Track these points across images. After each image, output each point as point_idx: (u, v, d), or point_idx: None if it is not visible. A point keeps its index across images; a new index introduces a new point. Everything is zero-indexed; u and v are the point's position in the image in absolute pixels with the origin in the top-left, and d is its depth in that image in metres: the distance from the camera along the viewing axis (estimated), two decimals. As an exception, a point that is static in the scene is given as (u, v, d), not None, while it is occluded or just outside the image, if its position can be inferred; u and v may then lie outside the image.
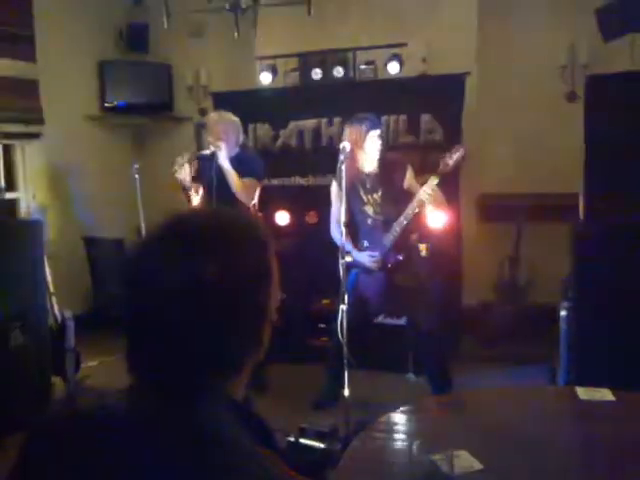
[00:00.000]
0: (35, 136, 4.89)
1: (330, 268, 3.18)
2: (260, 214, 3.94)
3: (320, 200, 3.70)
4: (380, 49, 4.74)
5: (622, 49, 4.17)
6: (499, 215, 4.73)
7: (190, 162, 3.58)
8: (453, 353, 4.00)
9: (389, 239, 3.29)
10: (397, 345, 3.93)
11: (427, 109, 4.55)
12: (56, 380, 3.63)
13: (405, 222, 3.23)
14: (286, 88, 5.00)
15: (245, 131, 4.13)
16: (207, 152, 3.69)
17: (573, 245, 3.10)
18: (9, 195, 4.82)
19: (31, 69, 4.72)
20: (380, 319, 4.04)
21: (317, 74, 4.86)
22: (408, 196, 3.26)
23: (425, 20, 4.81)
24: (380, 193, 3.34)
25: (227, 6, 4.31)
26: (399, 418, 2.01)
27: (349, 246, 3.26)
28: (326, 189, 3.52)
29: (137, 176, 3.85)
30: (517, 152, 4.80)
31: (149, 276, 0.79)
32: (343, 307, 2.92)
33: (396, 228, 3.25)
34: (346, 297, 2.93)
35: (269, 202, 4.21)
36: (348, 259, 3.07)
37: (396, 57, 4.63)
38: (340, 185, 3.02)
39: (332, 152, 3.67)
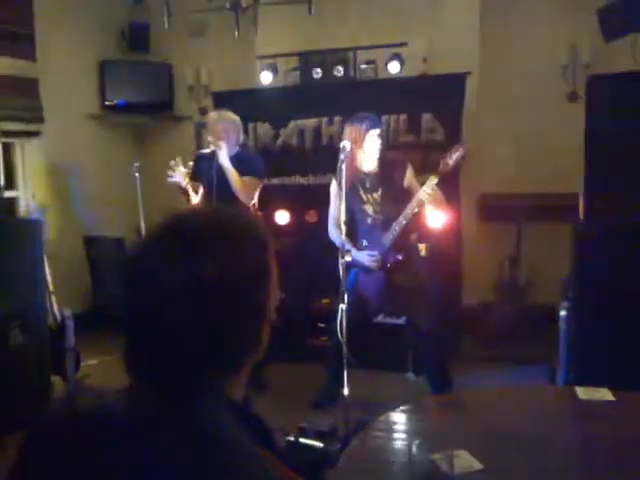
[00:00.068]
0: (35, 134, 4.89)
1: (330, 267, 3.18)
2: (260, 213, 3.95)
3: (320, 199, 3.70)
4: (381, 48, 4.73)
5: (623, 49, 4.16)
6: (499, 215, 4.73)
7: (184, 164, 3.57)
8: (453, 353, 4.00)
9: (388, 238, 3.28)
10: (397, 345, 3.93)
11: (428, 109, 4.55)
12: (56, 379, 3.63)
13: (404, 222, 3.23)
14: (286, 87, 5.00)
15: (245, 130, 4.13)
16: (207, 151, 3.69)
17: (573, 245, 3.10)
18: (8, 194, 4.82)
19: (31, 68, 4.72)
20: (380, 318, 4.04)
21: (317, 73, 4.86)
22: (408, 195, 3.26)
23: (426, 20, 4.81)
24: (380, 192, 3.34)
25: (227, 5, 4.31)
26: (399, 418, 2.01)
27: (348, 245, 3.26)
28: (326, 188, 3.52)
29: (137, 175, 3.86)
30: (518, 152, 4.80)
31: (148, 276, 0.79)
32: (343, 306, 2.92)
33: (395, 227, 3.25)
34: (346, 296, 2.93)
35: (269, 201, 4.21)
36: (348, 258, 3.07)
37: (397, 57, 4.63)
38: (340, 184, 3.02)
39: (332, 151, 3.67)
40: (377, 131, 3.29)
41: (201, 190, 3.70)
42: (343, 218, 2.98)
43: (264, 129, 4.96)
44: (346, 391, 2.93)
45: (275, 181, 4.82)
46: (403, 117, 4.61)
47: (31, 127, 4.80)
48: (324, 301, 4.44)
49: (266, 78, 4.93)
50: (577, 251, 3.07)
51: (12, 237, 3.48)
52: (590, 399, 2.02)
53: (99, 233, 5.28)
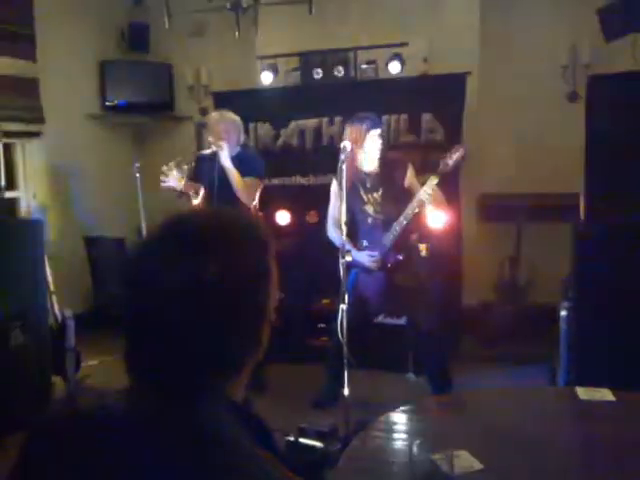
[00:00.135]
0: (35, 135, 4.89)
1: (330, 268, 3.18)
2: (260, 214, 3.94)
3: (321, 200, 3.70)
4: (381, 49, 4.74)
5: (624, 49, 4.16)
6: (499, 215, 4.73)
7: (179, 166, 3.56)
8: (453, 353, 4.00)
9: (389, 239, 3.28)
10: (397, 345, 3.93)
11: (428, 109, 4.55)
12: (56, 379, 3.63)
13: (405, 222, 3.23)
14: (287, 88, 5.00)
15: (246, 130, 4.13)
16: (207, 152, 3.69)
17: (573, 245, 3.10)
18: (9, 194, 4.82)
19: (31, 68, 4.72)
20: (380, 319, 4.04)
21: (318, 74, 4.86)
22: (408, 196, 3.26)
23: (426, 20, 4.81)
24: (380, 192, 3.34)
25: (228, 5, 4.31)
26: (399, 418, 2.01)
27: (348, 245, 3.26)
28: (327, 189, 3.52)
29: (138, 175, 3.85)
30: (518, 152, 4.80)
31: (149, 276, 0.79)
32: (343, 307, 2.92)
33: (396, 228, 3.25)
34: (346, 297, 2.93)
35: (270, 202, 4.21)
36: (348, 259, 3.07)
37: (397, 57, 4.63)
38: (340, 184, 3.02)
39: (333, 151, 3.68)
40: (378, 131, 3.29)
41: (202, 191, 3.69)
42: (344, 218, 2.99)
43: (264, 129, 4.96)
44: (346, 391, 2.93)
45: (276, 181, 4.82)
46: (404, 117, 4.61)
47: (32, 127, 4.80)
48: (324, 301, 4.44)
49: (266, 78, 4.93)
50: (577, 251, 3.07)
51: (13, 237, 3.48)
52: (591, 399, 2.02)
53: (100, 233, 5.28)
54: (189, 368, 0.78)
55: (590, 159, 4.11)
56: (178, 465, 0.73)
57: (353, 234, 3.36)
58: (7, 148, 4.86)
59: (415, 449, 1.48)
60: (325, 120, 4.81)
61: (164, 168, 3.51)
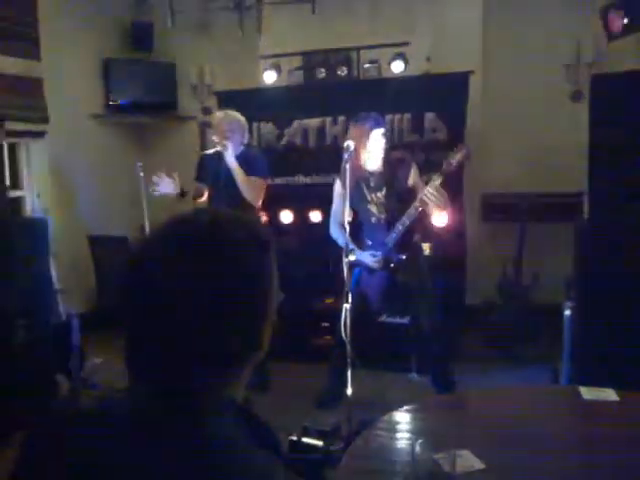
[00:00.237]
0: (40, 134, 4.90)
1: (334, 267, 3.18)
2: (263, 213, 3.95)
3: (324, 199, 3.70)
4: (384, 48, 4.74)
5: (627, 48, 4.15)
6: (502, 214, 4.72)
7: (169, 175, 3.53)
8: (456, 352, 4.00)
9: (392, 238, 3.28)
10: (400, 344, 3.93)
11: (431, 108, 4.55)
12: (60, 378, 3.64)
13: (408, 221, 3.22)
14: (290, 87, 5.01)
15: (249, 130, 4.13)
16: (211, 152, 3.69)
17: (577, 244, 3.09)
18: (14, 193, 4.83)
19: (36, 67, 4.73)
20: (383, 318, 4.04)
21: (321, 73, 4.86)
22: (412, 195, 3.25)
23: (429, 19, 4.80)
24: (384, 192, 3.34)
25: (231, 5, 4.32)
26: (402, 417, 2.01)
27: (352, 245, 3.26)
28: (330, 188, 3.52)
29: (141, 174, 3.86)
30: (521, 151, 4.80)
31: (149, 277, 0.79)
32: (346, 306, 2.92)
33: (399, 227, 3.25)
34: (349, 296, 2.93)
35: (273, 201, 4.21)
36: (352, 258, 3.07)
37: (400, 56, 4.63)
38: (344, 184, 3.02)
39: (336, 151, 3.68)
40: (381, 130, 3.29)
41: (206, 192, 3.69)
42: (347, 218, 2.99)
43: (268, 129, 4.96)
44: (349, 391, 2.94)
45: (279, 181, 4.83)
46: (407, 116, 4.61)
47: (36, 127, 4.81)
48: (327, 300, 4.44)
49: (269, 78, 4.93)
50: (581, 250, 3.06)
51: (18, 236, 3.49)
52: (594, 399, 2.02)
53: (103, 232, 5.29)
54: (189, 368, 0.78)
55: (594, 158, 4.10)
56: (179, 465, 0.73)
57: (356, 233, 3.36)
58: (11, 148, 4.88)
59: (417, 449, 1.48)
60: (328, 119, 4.81)
61: (154, 178, 3.49)
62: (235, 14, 4.33)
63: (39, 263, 3.52)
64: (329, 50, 4.91)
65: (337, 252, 3.14)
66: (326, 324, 4.18)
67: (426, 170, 3.65)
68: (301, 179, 4.92)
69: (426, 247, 3.77)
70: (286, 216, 4.76)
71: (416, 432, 1.91)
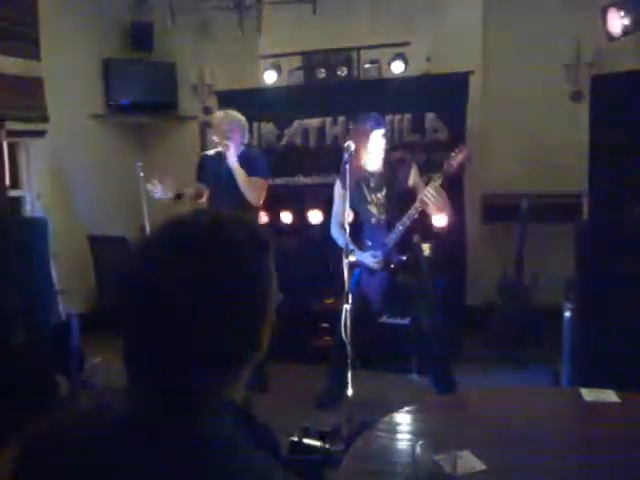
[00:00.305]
0: (40, 134, 4.89)
1: (334, 267, 3.18)
2: (264, 213, 3.94)
3: (324, 199, 3.70)
4: (384, 48, 4.74)
5: (628, 48, 4.15)
6: (503, 215, 4.72)
7: (162, 181, 3.55)
8: (457, 353, 3.99)
9: (392, 239, 3.28)
10: (400, 345, 3.93)
11: (431, 108, 4.55)
12: (60, 378, 3.64)
13: (408, 222, 3.22)
14: (290, 87, 5.00)
15: (250, 130, 4.13)
16: (211, 152, 3.68)
17: (577, 245, 3.08)
18: (14, 193, 4.83)
19: (36, 67, 4.73)
20: (384, 319, 4.03)
21: (321, 73, 4.86)
22: (412, 195, 3.25)
23: (429, 19, 4.80)
24: (384, 192, 3.33)
25: (231, 5, 4.31)
26: (402, 418, 2.00)
27: (352, 245, 3.25)
28: (330, 188, 3.52)
29: (141, 174, 3.85)
30: (521, 151, 4.79)
31: (148, 277, 0.79)
32: (347, 307, 2.92)
33: (399, 228, 3.24)
34: (350, 297, 2.93)
35: (273, 201, 4.21)
36: (352, 258, 3.07)
37: (400, 56, 4.63)
38: (344, 184, 3.01)
39: (336, 151, 3.68)
40: (381, 131, 3.28)
41: (206, 192, 3.69)
42: (347, 219, 2.98)
43: (268, 129, 4.96)
44: (350, 391, 2.93)
45: (279, 181, 4.82)
46: (407, 117, 4.61)
47: (36, 127, 4.81)
48: (327, 301, 4.44)
49: (270, 77, 4.93)
50: (581, 251, 3.06)
51: (18, 236, 3.49)
52: (595, 400, 2.01)
53: (103, 232, 5.29)
54: (188, 368, 0.78)
55: (594, 159, 4.10)
56: (178, 466, 0.73)
57: (357, 234, 3.36)
58: (11, 147, 4.87)
59: (418, 450, 1.47)
60: (328, 120, 4.81)
61: (149, 187, 3.51)
62: (235, 14, 4.33)
63: (39, 263, 3.52)
64: (329, 50, 4.91)
65: (337, 253, 3.14)
66: (325, 325, 4.18)
67: (427, 170, 3.65)
68: (301, 179, 4.92)
69: (426, 247, 3.77)
70: (286, 216, 4.76)
71: (417, 433, 1.91)
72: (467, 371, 3.73)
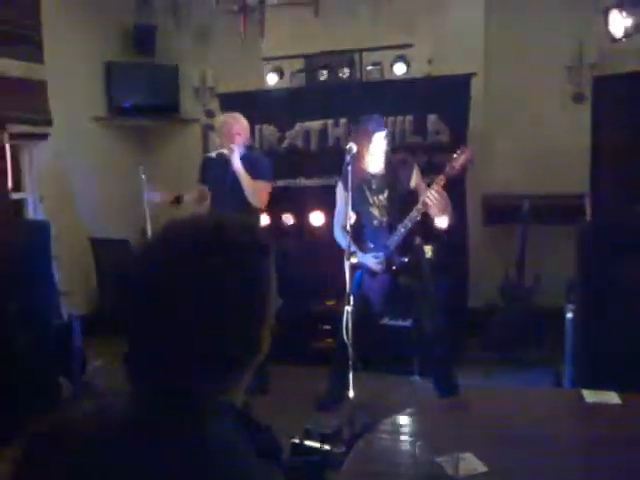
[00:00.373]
0: (42, 137, 4.91)
1: (335, 269, 3.18)
2: (265, 215, 3.94)
3: (326, 201, 3.70)
4: (386, 50, 4.74)
5: (630, 49, 4.15)
6: (504, 216, 4.71)
7: (156, 190, 3.63)
8: (458, 356, 3.99)
9: (394, 241, 3.28)
10: (402, 347, 3.92)
11: (433, 110, 4.55)
12: (62, 380, 3.64)
13: (410, 224, 3.22)
14: (292, 89, 5.01)
15: (251, 132, 4.14)
16: (213, 154, 3.69)
17: (579, 247, 3.08)
18: (16, 196, 4.84)
19: (39, 70, 4.74)
20: (385, 321, 4.03)
21: (323, 75, 4.86)
22: (414, 197, 3.25)
23: (430, 21, 4.80)
24: (386, 194, 3.33)
25: (234, 8, 4.33)
26: (404, 420, 2.00)
27: (354, 247, 3.25)
28: (332, 190, 3.52)
29: (143, 177, 3.86)
30: (523, 153, 4.79)
31: (149, 279, 0.79)
32: (348, 308, 2.92)
33: (401, 230, 3.24)
34: (351, 298, 2.93)
35: (274, 203, 4.21)
36: (354, 260, 3.07)
37: (402, 58, 4.64)
38: (346, 186, 3.02)
39: (338, 153, 3.68)
40: (383, 133, 3.28)
41: (209, 195, 3.69)
42: (349, 221, 2.98)
43: (270, 131, 4.96)
44: (351, 393, 2.93)
45: (281, 183, 4.81)
46: (409, 118, 4.61)
47: (39, 129, 4.82)
48: (329, 303, 4.44)
49: (272, 80, 4.94)
50: (583, 252, 3.05)
51: (20, 238, 3.50)
52: (597, 402, 2.01)
53: (105, 235, 5.30)
54: (189, 369, 0.78)
55: (596, 160, 4.11)
56: (179, 465, 0.73)
57: (359, 236, 3.36)
58: (14, 150, 4.89)
59: (420, 451, 1.47)
60: (330, 122, 4.81)
61: (146, 196, 3.60)
62: (237, 17, 4.34)
63: (41, 265, 3.52)
64: (331, 52, 4.91)
65: (339, 254, 3.14)
66: (326, 327, 4.18)
67: (429, 172, 3.64)
68: (303, 181, 4.91)
69: (428, 250, 3.77)
70: (287, 218, 4.76)
71: (418, 435, 1.91)
72: (469, 373, 3.72)
